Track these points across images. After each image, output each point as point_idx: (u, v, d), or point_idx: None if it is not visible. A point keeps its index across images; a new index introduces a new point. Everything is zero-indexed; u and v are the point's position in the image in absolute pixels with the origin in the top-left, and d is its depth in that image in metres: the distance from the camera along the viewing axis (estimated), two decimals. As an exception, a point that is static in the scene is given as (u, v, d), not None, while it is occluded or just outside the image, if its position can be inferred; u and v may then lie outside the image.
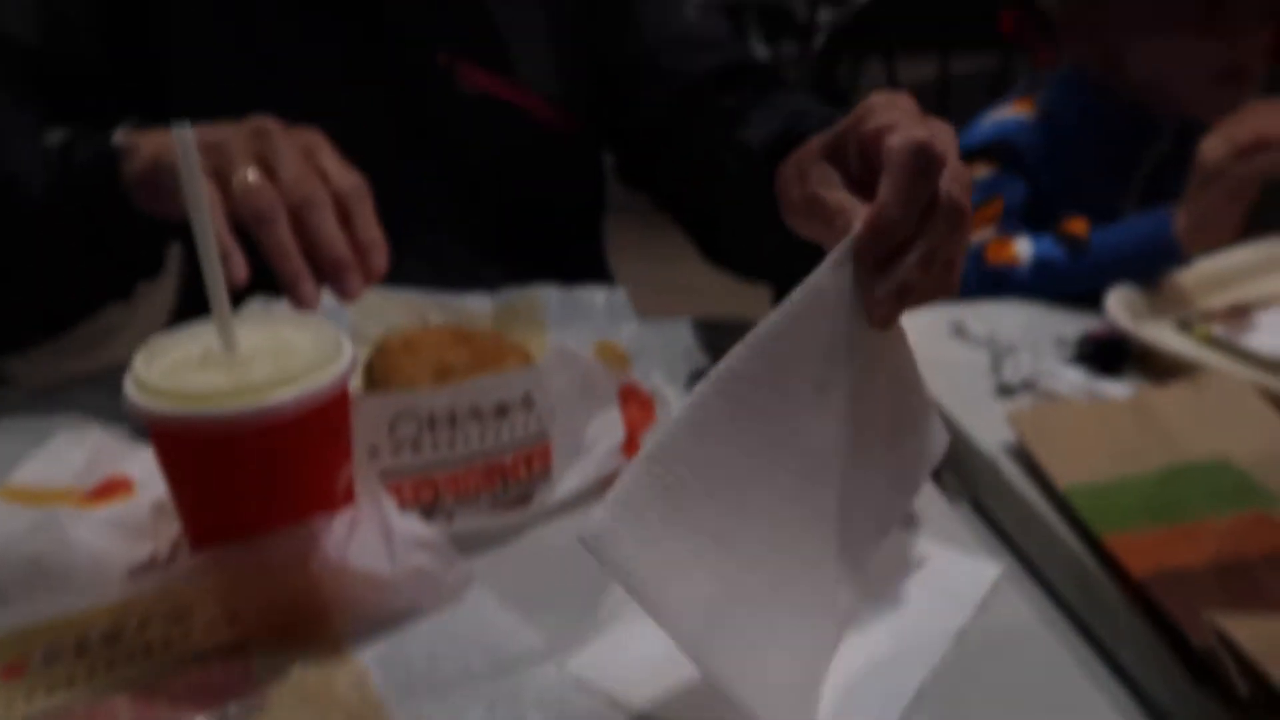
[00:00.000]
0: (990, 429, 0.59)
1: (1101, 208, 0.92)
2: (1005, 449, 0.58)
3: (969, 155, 0.93)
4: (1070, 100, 0.98)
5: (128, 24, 0.79)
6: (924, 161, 0.42)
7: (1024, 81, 1.05)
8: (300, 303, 0.51)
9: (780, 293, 0.43)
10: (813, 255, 0.43)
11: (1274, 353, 0.66)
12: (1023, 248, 0.87)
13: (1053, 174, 0.95)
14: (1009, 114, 0.98)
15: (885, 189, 0.42)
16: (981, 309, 0.79)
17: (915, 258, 0.42)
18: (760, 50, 5.65)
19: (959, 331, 0.74)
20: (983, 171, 0.93)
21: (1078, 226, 0.87)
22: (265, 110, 0.63)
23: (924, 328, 0.77)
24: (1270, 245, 0.86)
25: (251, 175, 0.53)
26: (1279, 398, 0.59)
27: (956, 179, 0.43)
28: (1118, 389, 0.65)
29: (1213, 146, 0.79)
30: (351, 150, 0.58)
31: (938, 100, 1.27)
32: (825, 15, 4.49)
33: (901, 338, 0.47)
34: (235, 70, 0.79)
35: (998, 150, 0.94)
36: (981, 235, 0.90)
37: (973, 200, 0.94)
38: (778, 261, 0.70)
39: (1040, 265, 0.85)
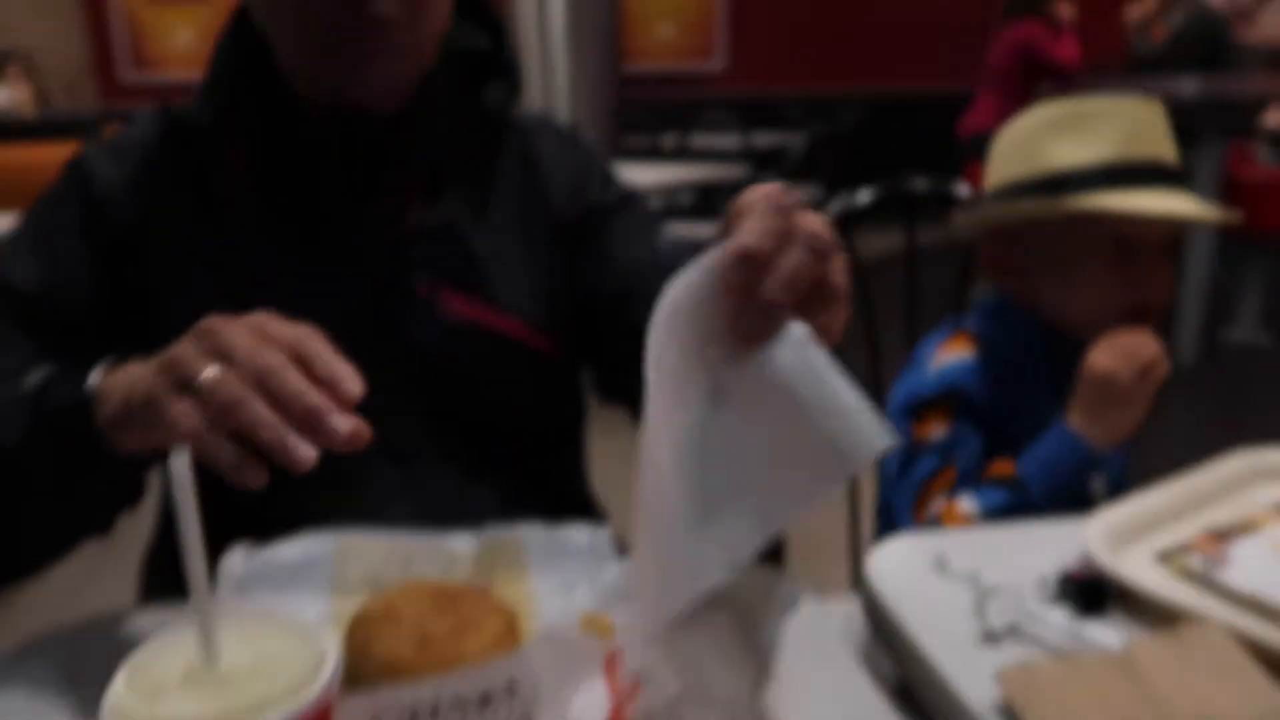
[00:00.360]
0: (977, 683, 0.59)
1: (1051, 421, 0.95)
2: (995, 709, 0.57)
3: (920, 408, 0.97)
4: (1003, 326, 1.02)
5: (119, 266, 0.82)
6: (777, 201, 0.48)
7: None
8: (296, 466, 0.53)
9: None
10: None
11: (1250, 591, 0.66)
12: (969, 507, 0.90)
13: (1002, 401, 0.98)
14: (951, 357, 1.01)
15: (743, 223, 0.48)
16: (962, 538, 0.80)
17: (777, 278, 0.47)
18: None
19: (940, 566, 0.75)
20: (937, 430, 0.96)
21: (1003, 468, 0.90)
22: None
23: (905, 560, 0.77)
24: (1240, 460, 0.88)
25: (209, 372, 0.55)
26: (1257, 642, 0.59)
27: (818, 223, 0.49)
28: (1103, 632, 0.65)
29: (1113, 365, 0.90)
30: None
31: (906, 270, 1.31)
32: (801, 194, 4.72)
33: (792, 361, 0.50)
34: (219, 303, 0.82)
35: (948, 399, 0.97)
36: (935, 506, 0.92)
37: (927, 468, 0.96)
38: None
39: (991, 516, 0.88)
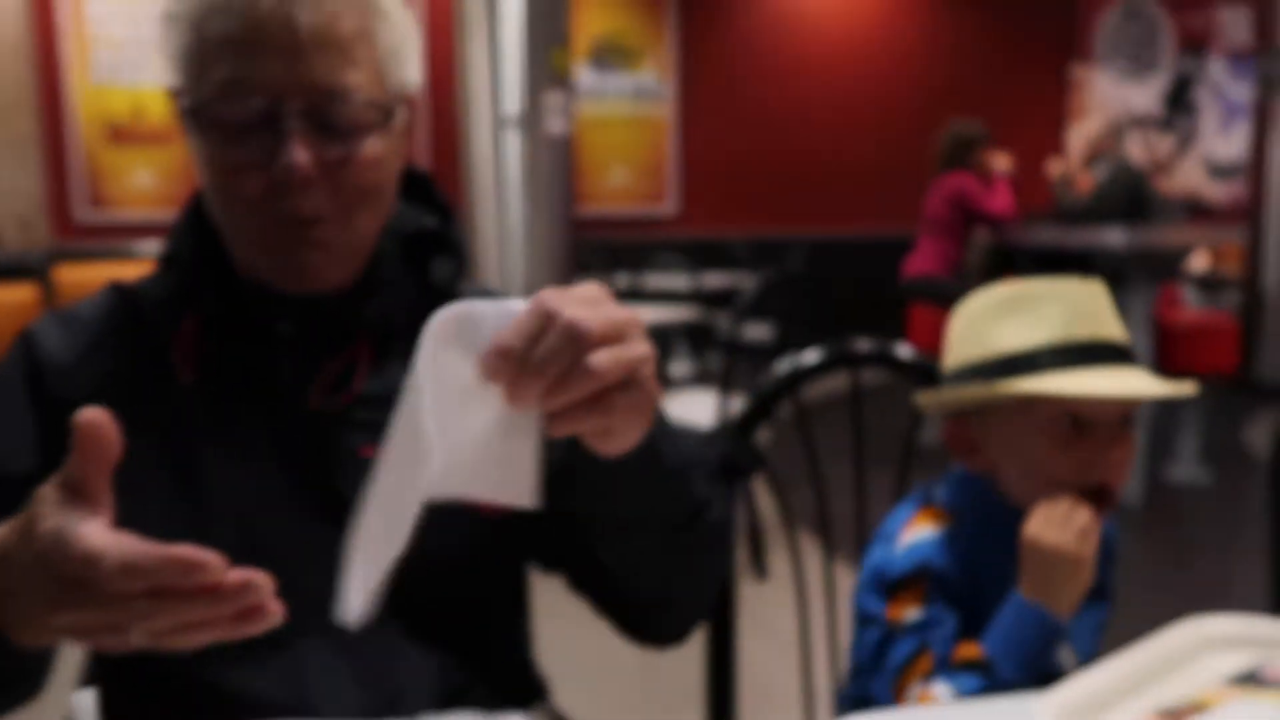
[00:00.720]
0: None
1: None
2: None
3: (892, 587, 0.96)
4: (971, 501, 1.02)
5: (65, 437, 0.80)
6: (541, 305, 0.57)
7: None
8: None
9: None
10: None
11: (1207, 782, 0.65)
12: (943, 694, 0.89)
13: (974, 576, 0.98)
14: (919, 534, 1.00)
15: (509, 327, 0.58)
16: (925, 717, 0.78)
17: (529, 361, 0.57)
18: (687, 365, 5.95)
19: (896, 754, 0.73)
20: (910, 611, 0.95)
21: (969, 651, 0.89)
22: (192, 501, 0.72)
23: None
24: (1187, 630, 0.88)
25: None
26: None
27: (599, 315, 0.58)
28: (1061, 829, 0.63)
29: (1054, 535, 0.91)
30: (272, 534, 0.62)
31: (850, 410, 1.33)
32: (753, 332, 4.80)
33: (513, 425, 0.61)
34: (164, 470, 0.80)
35: (919, 578, 0.96)
36: (911, 694, 0.90)
37: (903, 653, 0.95)
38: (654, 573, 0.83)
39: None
